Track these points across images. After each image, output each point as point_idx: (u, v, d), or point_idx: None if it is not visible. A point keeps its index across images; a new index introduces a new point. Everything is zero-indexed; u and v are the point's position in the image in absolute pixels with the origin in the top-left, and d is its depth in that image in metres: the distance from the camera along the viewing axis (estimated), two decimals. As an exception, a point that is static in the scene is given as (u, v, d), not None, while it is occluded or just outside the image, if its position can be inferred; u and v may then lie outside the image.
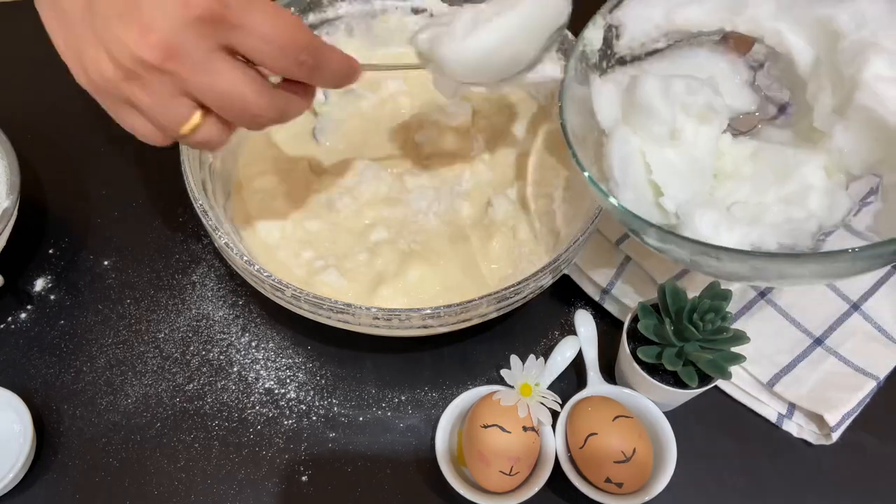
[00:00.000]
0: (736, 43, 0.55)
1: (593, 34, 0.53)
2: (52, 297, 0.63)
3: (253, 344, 0.61)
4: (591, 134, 0.52)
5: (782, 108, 0.56)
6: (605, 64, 0.54)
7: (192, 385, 0.59)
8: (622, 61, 0.55)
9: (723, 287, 0.52)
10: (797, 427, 0.58)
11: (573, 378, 0.60)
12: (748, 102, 0.56)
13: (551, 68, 0.51)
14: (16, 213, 0.59)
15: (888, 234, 0.46)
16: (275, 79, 0.41)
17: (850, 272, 0.44)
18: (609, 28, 0.54)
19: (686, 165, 0.51)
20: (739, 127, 0.55)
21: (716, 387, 0.57)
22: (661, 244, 0.46)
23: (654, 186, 0.51)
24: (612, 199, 0.46)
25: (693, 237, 0.45)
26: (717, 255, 0.43)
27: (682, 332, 0.51)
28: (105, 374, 0.59)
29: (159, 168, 0.69)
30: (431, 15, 0.66)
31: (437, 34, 0.47)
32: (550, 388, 0.55)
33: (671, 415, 0.55)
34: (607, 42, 0.54)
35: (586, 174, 0.47)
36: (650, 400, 0.55)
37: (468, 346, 0.61)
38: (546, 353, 0.57)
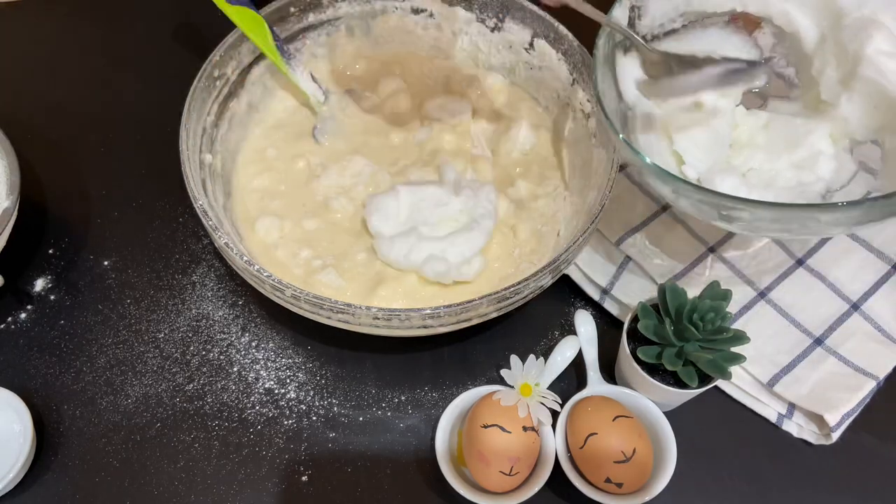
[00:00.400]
0: (744, 23, 0.58)
1: (619, 13, 0.55)
2: (52, 297, 0.63)
3: (253, 344, 0.61)
4: (616, 109, 0.54)
5: (789, 84, 0.59)
6: (628, 42, 0.56)
7: (192, 385, 0.59)
8: (643, 40, 0.57)
9: (723, 286, 0.52)
10: (797, 427, 0.58)
11: (573, 378, 0.60)
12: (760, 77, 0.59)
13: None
14: (16, 213, 0.59)
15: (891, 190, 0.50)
16: None
17: (866, 220, 0.46)
18: (633, 8, 0.56)
19: (706, 136, 0.55)
20: (747, 104, 0.58)
21: (716, 387, 0.57)
22: (692, 200, 0.48)
23: (676, 156, 0.54)
24: (645, 158, 0.47)
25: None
26: (749, 208, 0.45)
27: (682, 332, 0.51)
28: (105, 374, 0.59)
29: (159, 168, 0.69)
30: (431, 15, 0.66)
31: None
32: (550, 388, 0.55)
33: (671, 415, 0.55)
34: (630, 22, 0.56)
35: (621, 137, 0.49)
36: (650, 400, 0.55)
37: (468, 346, 0.61)
38: (546, 353, 0.57)
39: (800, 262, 0.62)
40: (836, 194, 0.54)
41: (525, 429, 0.51)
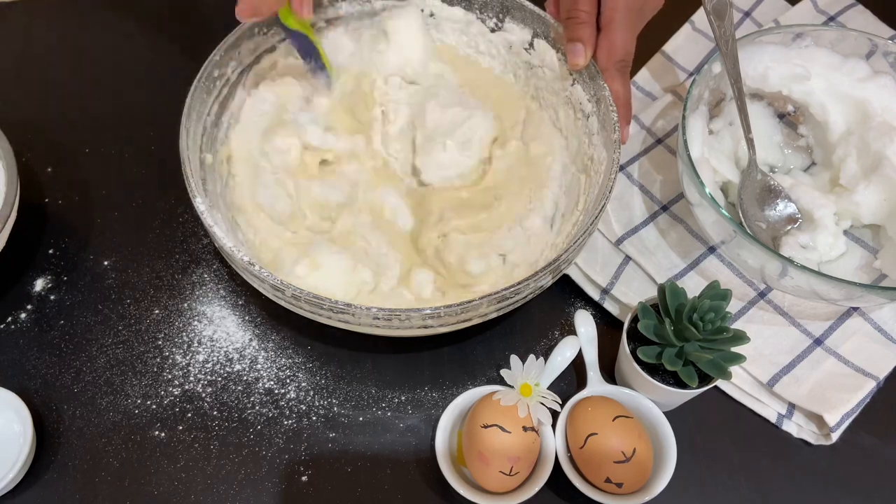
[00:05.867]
0: (779, 105, 0.67)
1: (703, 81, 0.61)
2: (52, 297, 0.63)
3: (253, 344, 0.61)
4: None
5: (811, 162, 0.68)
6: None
7: (191, 385, 0.59)
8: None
9: (723, 286, 0.52)
10: (797, 427, 0.58)
11: (573, 378, 0.60)
12: (777, 159, 0.67)
13: None
14: (16, 213, 0.59)
15: (889, 270, 0.60)
16: None
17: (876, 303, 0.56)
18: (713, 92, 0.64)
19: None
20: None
21: (716, 387, 0.57)
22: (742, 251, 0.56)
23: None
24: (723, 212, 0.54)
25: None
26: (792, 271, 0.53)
27: (682, 332, 0.51)
28: (105, 374, 0.59)
29: (159, 168, 0.69)
30: (432, 14, 0.66)
31: None
32: (550, 388, 0.55)
33: (671, 415, 0.55)
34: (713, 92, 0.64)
35: (707, 191, 0.55)
36: (650, 400, 0.55)
37: (468, 346, 0.61)
38: (546, 353, 0.57)
39: (800, 263, 0.62)
40: (827, 266, 0.61)
41: (525, 429, 0.51)
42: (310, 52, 0.62)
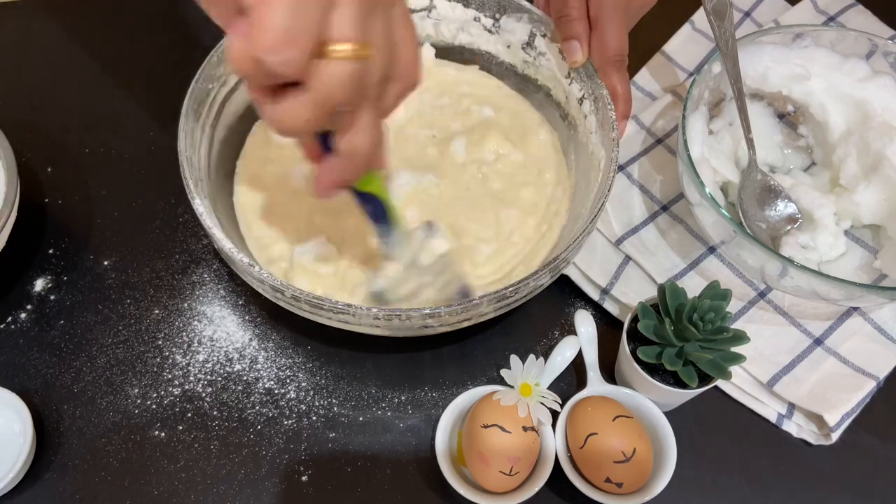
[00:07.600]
0: (779, 105, 0.67)
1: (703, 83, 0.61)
2: (52, 297, 0.63)
3: (253, 344, 0.61)
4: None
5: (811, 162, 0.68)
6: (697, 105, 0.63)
7: (191, 385, 0.59)
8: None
9: (723, 286, 0.52)
10: (797, 427, 0.58)
11: (573, 378, 0.60)
12: (777, 159, 0.67)
13: None
14: (16, 213, 0.59)
15: (889, 270, 0.59)
16: None
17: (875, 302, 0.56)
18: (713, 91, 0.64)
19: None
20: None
21: (716, 387, 0.57)
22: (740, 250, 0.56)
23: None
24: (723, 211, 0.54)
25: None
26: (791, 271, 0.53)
27: (682, 332, 0.51)
28: (105, 374, 0.59)
29: (159, 168, 0.69)
30: (430, 11, 0.66)
31: None
32: (550, 388, 0.55)
33: (671, 415, 0.55)
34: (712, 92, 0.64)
35: (707, 191, 0.55)
36: (650, 400, 0.55)
37: (468, 346, 0.61)
38: (546, 353, 0.57)
39: (800, 262, 0.62)
40: (827, 266, 0.61)
41: (525, 429, 0.51)
42: (380, 214, 0.49)
